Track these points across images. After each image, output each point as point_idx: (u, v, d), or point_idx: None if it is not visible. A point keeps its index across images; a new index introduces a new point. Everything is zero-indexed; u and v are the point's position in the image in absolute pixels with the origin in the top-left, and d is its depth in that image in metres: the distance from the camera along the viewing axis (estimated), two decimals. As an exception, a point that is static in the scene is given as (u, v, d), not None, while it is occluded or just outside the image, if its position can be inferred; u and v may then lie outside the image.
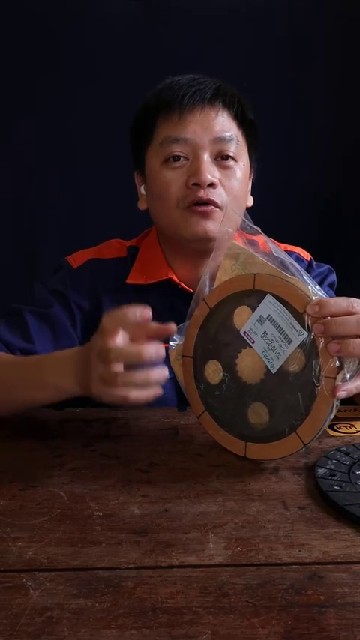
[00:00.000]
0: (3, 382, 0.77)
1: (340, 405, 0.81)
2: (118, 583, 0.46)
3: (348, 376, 0.60)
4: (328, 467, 0.62)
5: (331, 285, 0.98)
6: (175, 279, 0.90)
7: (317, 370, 0.58)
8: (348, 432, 0.75)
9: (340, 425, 0.77)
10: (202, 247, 0.84)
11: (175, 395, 0.90)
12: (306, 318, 0.59)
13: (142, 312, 0.61)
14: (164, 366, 0.61)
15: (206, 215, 0.82)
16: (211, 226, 0.82)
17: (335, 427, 0.76)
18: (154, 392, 0.61)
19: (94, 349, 0.63)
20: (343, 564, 0.47)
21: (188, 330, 0.69)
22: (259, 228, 0.66)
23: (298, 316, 0.59)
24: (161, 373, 0.60)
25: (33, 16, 1.49)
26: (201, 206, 0.82)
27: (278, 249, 0.64)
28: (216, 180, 0.82)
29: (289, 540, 0.51)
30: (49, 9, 1.49)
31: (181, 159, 0.83)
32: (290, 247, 1.00)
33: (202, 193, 0.81)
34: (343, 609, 0.42)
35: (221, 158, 0.84)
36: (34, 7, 1.49)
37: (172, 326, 0.64)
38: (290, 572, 0.47)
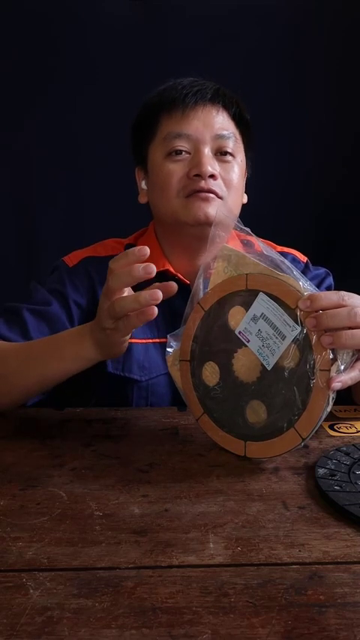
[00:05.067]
0: (18, 359, 0.78)
1: (340, 405, 0.81)
2: (118, 583, 0.46)
3: (342, 368, 0.60)
4: (328, 467, 0.62)
5: (328, 289, 0.99)
6: (172, 270, 0.91)
7: (311, 364, 0.59)
8: (348, 432, 0.75)
9: (340, 425, 0.77)
10: (202, 233, 0.85)
11: (170, 391, 0.90)
12: (298, 313, 0.60)
13: (145, 269, 0.63)
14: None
15: (207, 200, 0.85)
16: (212, 211, 0.84)
17: (335, 427, 0.76)
18: (149, 312, 0.63)
19: (102, 310, 0.67)
20: (343, 564, 0.47)
21: (184, 334, 0.70)
22: (249, 229, 0.68)
23: (291, 312, 0.60)
24: (152, 292, 0.62)
25: (33, 16, 1.49)
26: (201, 193, 0.85)
27: (268, 248, 0.65)
28: (216, 172, 0.86)
29: (289, 540, 0.51)
30: (49, 9, 1.49)
31: (183, 153, 0.87)
32: (287, 249, 1.01)
33: (203, 184, 0.85)
34: (343, 609, 0.42)
35: (220, 153, 0.88)
36: (34, 7, 1.49)
37: (173, 284, 0.68)
38: (290, 572, 0.47)
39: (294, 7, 1.52)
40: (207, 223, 0.84)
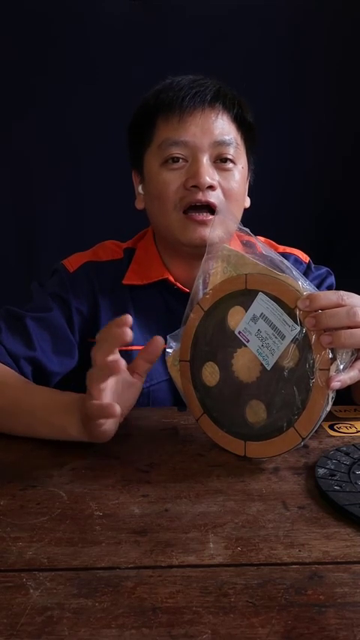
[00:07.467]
0: (9, 411, 0.74)
1: (340, 405, 0.81)
2: (118, 583, 0.46)
3: (341, 367, 0.60)
4: (328, 467, 0.62)
5: (329, 288, 0.98)
6: (171, 279, 0.90)
7: (311, 363, 0.59)
8: (348, 432, 0.75)
9: (340, 425, 0.77)
10: (199, 252, 0.84)
11: (171, 397, 0.90)
12: (297, 312, 0.60)
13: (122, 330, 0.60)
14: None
15: (204, 223, 0.83)
16: (208, 233, 0.81)
17: (335, 427, 0.76)
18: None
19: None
20: (343, 564, 0.47)
21: (184, 335, 0.70)
22: (248, 230, 0.68)
23: (290, 312, 0.60)
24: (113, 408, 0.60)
25: (33, 16, 1.50)
26: (199, 214, 0.83)
27: (267, 248, 0.65)
28: (215, 183, 0.83)
29: (289, 540, 0.51)
30: (49, 9, 1.50)
31: (180, 160, 0.84)
32: (289, 249, 1.00)
33: (200, 195, 0.82)
34: (343, 609, 0.42)
35: (220, 161, 0.84)
36: (34, 7, 1.49)
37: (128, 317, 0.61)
38: (290, 572, 0.47)
39: (294, 7, 1.53)
40: (203, 245, 0.81)
